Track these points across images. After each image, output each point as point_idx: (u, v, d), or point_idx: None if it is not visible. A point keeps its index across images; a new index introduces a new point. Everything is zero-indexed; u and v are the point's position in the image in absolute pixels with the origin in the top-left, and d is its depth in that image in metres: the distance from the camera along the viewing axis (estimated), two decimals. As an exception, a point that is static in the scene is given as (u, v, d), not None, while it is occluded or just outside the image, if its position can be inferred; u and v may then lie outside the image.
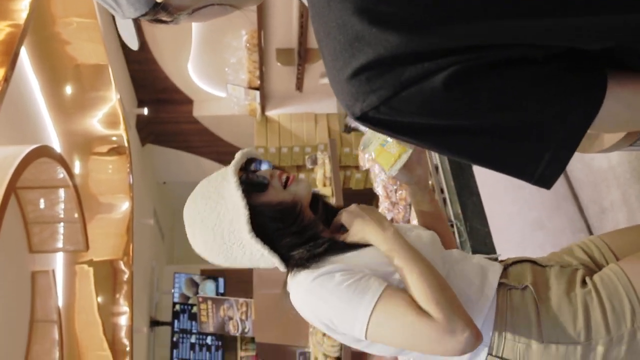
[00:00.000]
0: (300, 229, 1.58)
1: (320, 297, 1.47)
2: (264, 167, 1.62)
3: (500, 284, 1.55)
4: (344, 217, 1.63)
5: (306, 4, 1.11)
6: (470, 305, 1.51)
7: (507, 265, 1.63)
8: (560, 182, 3.56)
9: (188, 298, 10.52)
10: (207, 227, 1.57)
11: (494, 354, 1.50)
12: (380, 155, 1.66)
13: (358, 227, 1.58)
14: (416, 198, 1.86)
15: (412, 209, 3.37)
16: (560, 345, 1.45)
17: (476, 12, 0.94)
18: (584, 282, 1.53)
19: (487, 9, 0.94)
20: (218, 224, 1.56)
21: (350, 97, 1.02)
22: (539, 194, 3.59)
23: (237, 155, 1.64)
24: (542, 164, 1.07)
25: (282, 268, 1.58)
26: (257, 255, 1.57)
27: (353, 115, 1.03)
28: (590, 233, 3.35)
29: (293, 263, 1.56)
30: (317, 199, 1.74)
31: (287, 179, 1.61)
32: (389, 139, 1.62)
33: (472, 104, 1.00)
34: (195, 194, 1.62)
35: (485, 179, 3.86)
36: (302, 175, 6.84)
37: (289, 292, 1.57)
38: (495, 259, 1.67)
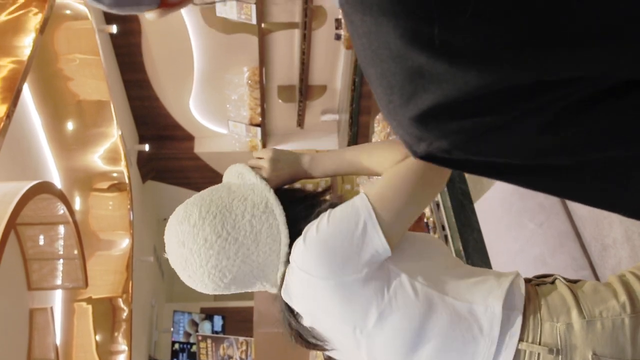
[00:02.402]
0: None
1: (320, 234, 1.35)
2: None
3: (524, 280, 1.40)
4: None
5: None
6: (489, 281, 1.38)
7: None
8: (562, 220, 3.56)
9: (190, 335, 10.46)
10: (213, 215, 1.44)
11: (528, 340, 1.32)
12: None
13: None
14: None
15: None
16: (605, 320, 1.30)
17: (578, 37, 0.76)
18: None
19: (590, 32, 0.75)
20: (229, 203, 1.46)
21: (413, 138, 0.87)
22: (541, 232, 3.59)
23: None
24: None
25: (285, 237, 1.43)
26: (264, 233, 1.43)
27: (415, 154, 0.90)
28: (593, 270, 3.34)
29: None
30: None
31: None
32: None
33: (570, 145, 0.87)
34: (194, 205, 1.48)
35: (487, 216, 3.86)
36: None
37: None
38: None
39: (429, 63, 0.77)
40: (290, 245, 1.42)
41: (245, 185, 1.51)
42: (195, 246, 1.41)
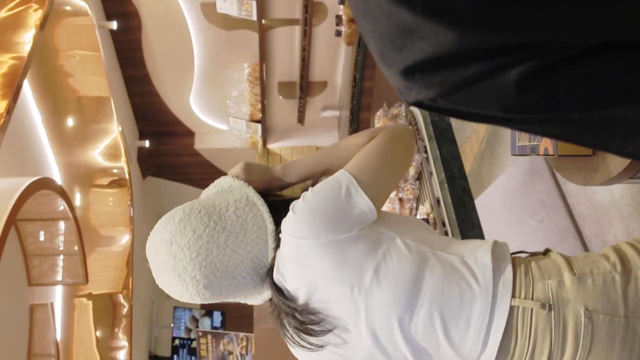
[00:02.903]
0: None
1: (308, 205, 1.39)
2: None
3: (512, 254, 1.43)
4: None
5: None
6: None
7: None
8: (563, 216, 3.56)
9: (190, 331, 10.48)
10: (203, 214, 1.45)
11: (521, 296, 1.34)
12: None
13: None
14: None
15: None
16: (596, 277, 1.33)
17: None
18: None
19: None
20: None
21: (404, 87, 0.94)
22: (542, 228, 3.59)
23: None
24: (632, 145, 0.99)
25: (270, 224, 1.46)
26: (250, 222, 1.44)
27: (406, 102, 0.96)
28: (594, 267, 3.34)
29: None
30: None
31: None
32: None
33: (550, 102, 0.91)
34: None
35: (487, 212, 3.86)
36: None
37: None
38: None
39: (416, 21, 0.82)
40: (277, 232, 1.44)
41: (223, 190, 1.54)
42: (184, 239, 1.41)
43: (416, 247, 1.38)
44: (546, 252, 1.47)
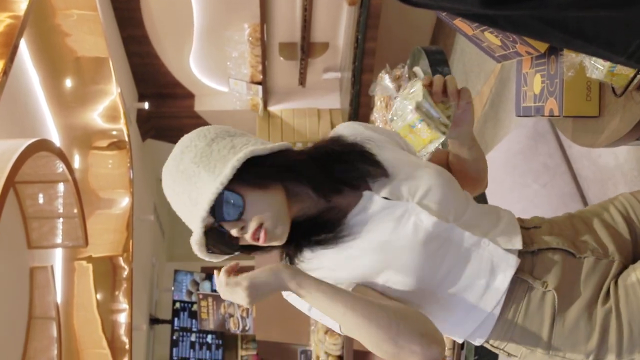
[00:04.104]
0: None
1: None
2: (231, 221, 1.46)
3: (521, 280, 1.47)
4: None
5: None
6: (465, 311, 1.47)
7: (537, 251, 1.51)
8: (567, 180, 3.55)
9: (191, 294, 10.56)
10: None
11: (496, 346, 1.49)
12: (408, 137, 1.55)
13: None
14: (454, 149, 1.69)
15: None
16: (566, 359, 1.45)
17: None
18: (607, 295, 1.45)
19: None
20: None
21: None
22: (545, 192, 3.59)
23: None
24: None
25: None
26: None
27: None
28: (597, 231, 3.34)
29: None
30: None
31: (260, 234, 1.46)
32: (419, 124, 1.48)
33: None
34: (170, 182, 1.51)
35: (490, 176, 3.85)
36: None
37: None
38: (516, 252, 1.51)
39: None
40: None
41: None
42: (196, 135, 1.53)
43: None
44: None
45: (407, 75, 3.97)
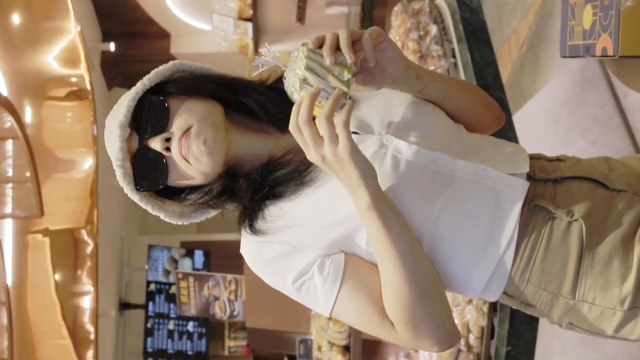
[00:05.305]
0: (231, 197, 1.50)
1: (272, 282, 1.51)
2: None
3: (540, 207, 1.45)
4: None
5: None
6: (477, 252, 1.44)
7: (560, 178, 1.50)
8: (621, 135, 3.54)
9: (168, 273, 10.60)
10: None
11: (511, 294, 1.48)
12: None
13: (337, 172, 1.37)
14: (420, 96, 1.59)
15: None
16: (595, 306, 1.42)
17: None
18: None
19: None
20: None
21: None
22: (595, 150, 3.58)
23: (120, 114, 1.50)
24: None
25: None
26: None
27: None
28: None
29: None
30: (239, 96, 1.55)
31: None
32: (310, 79, 1.37)
33: None
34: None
35: (528, 131, 3.84)
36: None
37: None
38: (523, 176, 1.48)
39: None
40: None
41: None
42: None
43: None
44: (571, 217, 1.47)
45: (428, 10, 3.93)
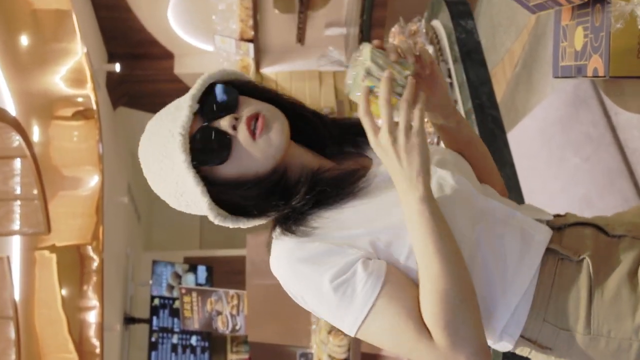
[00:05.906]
0: (281, 197, 1.49)
1: (303, 284, 1.45)
2: (224, 98, 1.51)
3: (549, 250, 1.49)
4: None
5: None
6: (502, 287, 1.47)
7: (564, 226, 1.56)
8: (613, 153, 3.54)
9: (172, 289, 10.59)
10: (157, 175, 1.51)
11: (527, 337, 1.49)
12: (372, 105, 1.54)
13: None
14: (437, 121, 1.67)
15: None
16: (611, 340, 1.43)
17: None
18: None
19: None
20: (165, 177, 1.49)
21: None
22: (588, 167, 3.58)
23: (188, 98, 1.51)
24: None
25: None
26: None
27: None
28: (648, 213, 3.34)
29: (274, 220, 1.53)
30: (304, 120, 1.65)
31: (256, 123, 1.46)
32: (373, 71, 1.47)
33: None
34: (147, 130, 1.58)
35: (522, 148, 3.84)
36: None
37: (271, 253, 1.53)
38: (546, 222, 1.56)
39: None
40: None
41: None
42: None
43: None
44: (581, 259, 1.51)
45: (424, 31, 3.94)
